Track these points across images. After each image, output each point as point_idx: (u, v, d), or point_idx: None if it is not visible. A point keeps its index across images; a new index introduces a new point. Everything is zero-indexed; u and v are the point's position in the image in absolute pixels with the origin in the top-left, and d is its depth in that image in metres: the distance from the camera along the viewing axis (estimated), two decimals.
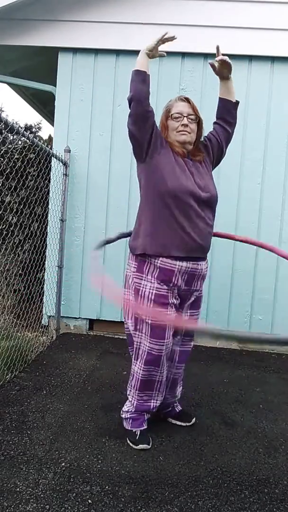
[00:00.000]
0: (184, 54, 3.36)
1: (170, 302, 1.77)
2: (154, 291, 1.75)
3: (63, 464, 1.71)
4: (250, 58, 3.33)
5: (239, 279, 3.41)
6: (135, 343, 1.86)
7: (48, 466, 1.69)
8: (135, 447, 1.84)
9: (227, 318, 3.43)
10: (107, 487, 1.58)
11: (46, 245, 3.53)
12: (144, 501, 1.51)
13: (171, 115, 1.81)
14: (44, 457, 1.75)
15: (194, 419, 2.10)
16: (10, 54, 3.67)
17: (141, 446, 1.84)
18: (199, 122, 1.84)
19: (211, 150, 1.92)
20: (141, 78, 1.73)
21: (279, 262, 3.39)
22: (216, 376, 2.78)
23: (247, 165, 3.38)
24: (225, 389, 2.57)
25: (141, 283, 1.78)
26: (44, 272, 3.54)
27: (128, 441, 1.88)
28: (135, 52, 3.33)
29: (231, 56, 3.28)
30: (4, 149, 3.63)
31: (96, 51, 3.44)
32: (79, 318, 3.61)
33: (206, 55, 3.34)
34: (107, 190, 3.50)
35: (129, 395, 1.96)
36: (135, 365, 1.88)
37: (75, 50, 3.46)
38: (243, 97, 3.35)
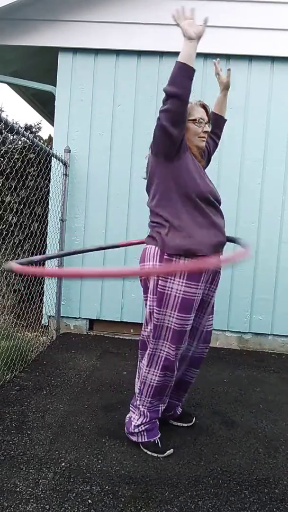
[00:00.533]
0: None
1: (195, 306, 1.73)
2: (181, 295, 1.68)
3: (63, 464, 1.71)
4: (250, 58, 3.33)
5: (239, 279, 3.41)
6: (150, 349, 1.78)
7: (48, 466, 1.69)
8: (163, 455, 1.80)
9: (227, 318, 3.43)
10: (107, 487, 1.58)
11: (46, 245, 3.53)
12: (144, 501, 1.51)
13: (195, 119, 1.79)
14: (44, 457, 1.75)
15: (194, 419, 2.10)
16: (10, 54, 3.67)
17: (168, 452, 1.81)
18: None
19: (206, 158, 1.99)
20: (190, 75, 1.71)
21: (279, 262, 3.39)
22: (216, 376, 2.78)
23: (247, 165, 3.38)
24: (225, 389, 2.57)
25: (166, 286, 1.69)
26: None
27: (151, 452, 1.81)
28: (135, 52, 3.40)
29: (231, 56, 3.33)
30: (4, 149, 3.63)
31: (96, 51, 3.44)
32: (79, 318, 3.61)
33: (206, 55, 3.34)
34: (107, 190, 3.50)
35: (138, 405, 1.84)
36: (148, 372, 1.79)
37: (75, 50, 3.46)
38: (243, 97, 3.35)
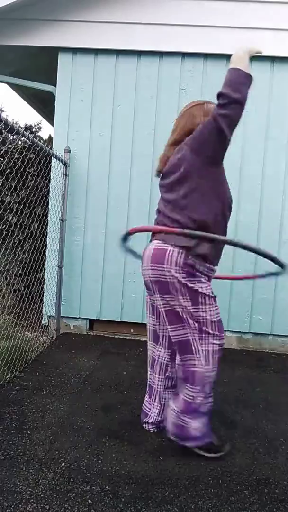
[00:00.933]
0: (184, 54, 3.36)
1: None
2: (210, 289, 1.79)
3: (63, 464, 1.71)
4: (250, 58, 3.32)
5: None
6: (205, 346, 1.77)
7: (48, 466, 1.69)
8: (223, 452, 1.81)
9: (227, 318, 3.43)
10: (107, 487, 1.58)
11: (46, 245, 3.53)
12: (144, 501, 1.51)
13: None
14: (44, 457, 1.75)
15: None
16: (10, 54, 3.67)
17: (227, 447, 1.84)
18: None
19: None
20: (250, 84, 1.78)
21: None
22: (216, 376, 2.78)
23: (247, 165, 3.38)
24: (225, 389, 2.57)
25: (195, 284, 1.72)
26: (44, 272, 3.54)
27: (212, 454, 1.79)
28: (135, 52, 3.40)
29: (231, 56, 3.31)
30: (4, 149, 3.63)
31: (96, 51, 3.44)
32: (79, 318, 3.61)
33: (206, 55, 3.34)
34: (107, 190, 3.50)
35: (198, 407, 1.76)
36: (203, 367, 1.76)
37: (75, 50, 3.46)
38: None
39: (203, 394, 1.76)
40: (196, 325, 1.74)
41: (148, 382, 2.04)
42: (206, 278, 1.78)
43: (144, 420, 2.01)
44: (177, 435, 1.80)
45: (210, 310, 1.76)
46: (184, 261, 1.70)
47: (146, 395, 2.04)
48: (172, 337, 1.79)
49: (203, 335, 1.75)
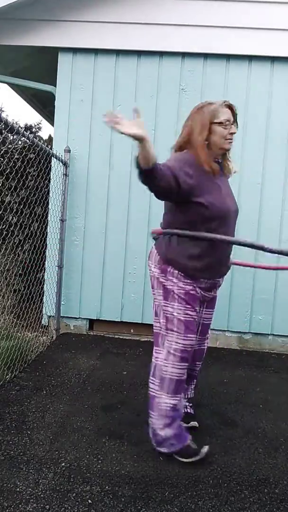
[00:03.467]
0: (184, 54, 3.36)
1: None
2: (183, 291, 1.81)
3: (63, 464, 1.71)
4: (250, 58, 3.33)
5: (239, 279, 3.40)
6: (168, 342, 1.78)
7: (48, 466, 1.69)
8: (199, 456, 1.75)
9: (227, 318, 3.43)
10: (107, 487, 1.58)
11: (46, 245, 3.53)
12: (144, 501, 1.51)
13: (221, 121, 1.73)
14: (44, 457, 1.75)
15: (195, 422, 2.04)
16: (10, 54, 3.67)
17: (203, 450, 1.75)
18: None
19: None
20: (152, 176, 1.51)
21: (279, 262, 3.38)
22: (216, 376, 2.78)
23: (247, 165, 3.38)
24: (225, 389, 2.57)
25: (166, 282, 1.83)
26: (44, 272, 3.54)
27: (185, 459, 1.75)
28: (135, 52, 3.40)
29: (231, 56, 3.33)
30: (4, 149, 3.63)
31: (96, 51, 3.44)
32: (79, 318, 3.61)
33: (206, 55, 3.34)
34: (107, 190, 3.49)
35: (159, 407, 1.75)
36: (161, 361, 1.77)
37: (75, 50, 3.46)
38: (243, 97, 3.35)
39: (165, 392, 1.75)
40: (164, 320, 1.79)
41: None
42: (187, 282, 1.75)
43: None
44: (153, 440, 1.81)
45: (179, 309, 1.75)
46: (160, 259, 1.80)
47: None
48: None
49: (168, 331, 1.79)
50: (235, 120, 1.78)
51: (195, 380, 2.11)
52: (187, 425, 1.96)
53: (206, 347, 2.04)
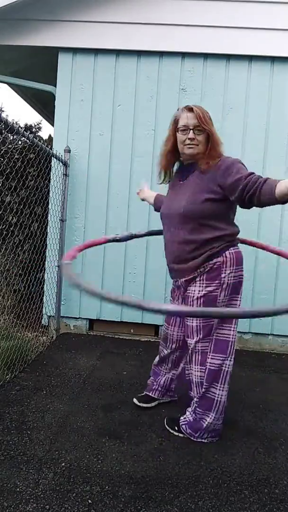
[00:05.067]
0: (184, 54, 3.36)
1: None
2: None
3: (63, 464, 1.71)
4: (250, 58, 3.33)
5: None
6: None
7: (48, 466, 1.69)
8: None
9: None
10: (107, 487, 1.58)
11: (46, 245, 3.53)
12: (144, 501, 1.51)
13: (178, 127, 1.80)
14: (44, 457, 1.75)
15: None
16: (10, 54, 3.67)
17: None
18: (211, 131, 1.80)
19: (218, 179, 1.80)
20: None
21: (279, 262, 3.39)
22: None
23: (247, 165, 3.35)
24: None
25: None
26: (44, 272, 3.54)
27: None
28: (135, 52, 3.40)
29: (231, 56, 3.33)
30: (4, 149, 3.63)
31: (96, 51, 3.44)
32: (79, 318, 3.61)
33: (206, 55, 3.34)
34: (107, 190, 3.49)
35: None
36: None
37: (75, 50, 3.46)
38: (243, 97, 3.35)
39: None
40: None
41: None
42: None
43: None
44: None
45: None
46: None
47: None
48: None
49: None
50: (202, 123, 1.75)
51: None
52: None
53: (190, 350, 1.94)
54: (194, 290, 1.84)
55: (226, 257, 1.80)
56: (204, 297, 1.81)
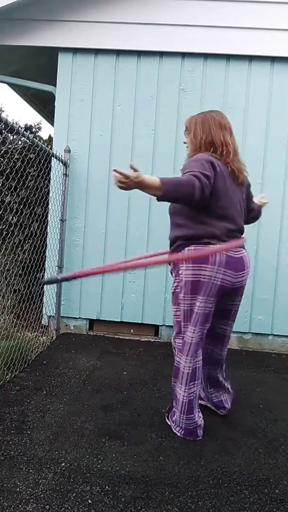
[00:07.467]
0: (184, 54, 3.36)
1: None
2: None
3: (63, 464, 1.71)
4: (250, 58, 3.33)
5: None
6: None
7: (48, 466, 1.69)
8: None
9: None
10: (107, 487, 1.58)
11: (46, 245, 3.53)
12: (144, 501, 1.51)
13: None
14: (44, 457, 1.75)
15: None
16: (10, 54, 3.67)
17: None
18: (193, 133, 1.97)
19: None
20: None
21: (279, 262, 3.39)
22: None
23: (247, 165, 3.36)
24: None
25: None
26: (44, 272, 3.54)
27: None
28: (135, 52, 3.40)
29: (231, 56, 3.33)
30: (4, 149, 3.63)
31: (96, 51, 3.44)
32: (79, 318, 3.61)
33: (206, 55, 3.34)
34: (107, 190, 3.49)
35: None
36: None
37: (75, 50, 3.46)
38: (243, 97, 3.35)
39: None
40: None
41: None
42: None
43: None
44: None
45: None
46: None
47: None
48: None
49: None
50: (186, 128, 2.01)
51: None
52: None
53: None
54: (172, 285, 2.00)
55: (184, 253, 1.85)
56: (174, 293, 1.92)
